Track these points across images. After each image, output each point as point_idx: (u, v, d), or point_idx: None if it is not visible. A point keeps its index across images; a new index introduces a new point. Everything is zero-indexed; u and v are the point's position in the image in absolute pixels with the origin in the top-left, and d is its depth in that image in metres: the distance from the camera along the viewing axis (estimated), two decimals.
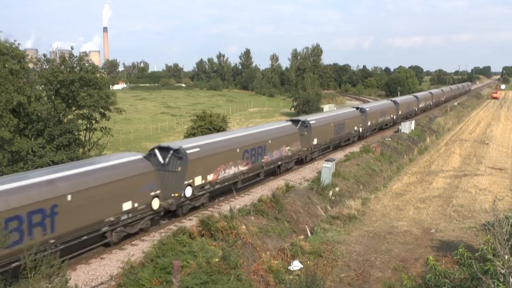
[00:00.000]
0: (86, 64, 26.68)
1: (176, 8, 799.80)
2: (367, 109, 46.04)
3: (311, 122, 33.43)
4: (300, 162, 33.16)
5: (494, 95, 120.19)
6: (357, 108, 45.74)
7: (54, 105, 25.11)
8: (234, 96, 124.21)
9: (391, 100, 57.93)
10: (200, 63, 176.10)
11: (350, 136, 41.29)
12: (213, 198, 24.05)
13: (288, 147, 29.88)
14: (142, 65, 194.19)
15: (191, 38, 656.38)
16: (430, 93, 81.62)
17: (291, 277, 15.92)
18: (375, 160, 35.20)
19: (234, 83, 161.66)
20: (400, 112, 57.20)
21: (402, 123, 51.20)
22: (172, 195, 20.33)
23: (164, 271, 13.47)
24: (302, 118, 34.57)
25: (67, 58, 26.84)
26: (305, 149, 32.74)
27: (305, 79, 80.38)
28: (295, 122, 33.13)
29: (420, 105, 68.69)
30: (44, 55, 27.79)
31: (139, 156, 19.81)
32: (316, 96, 72.24)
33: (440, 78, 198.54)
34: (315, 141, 33.97)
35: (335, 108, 67.50)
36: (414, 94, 74.16)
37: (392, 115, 54.22)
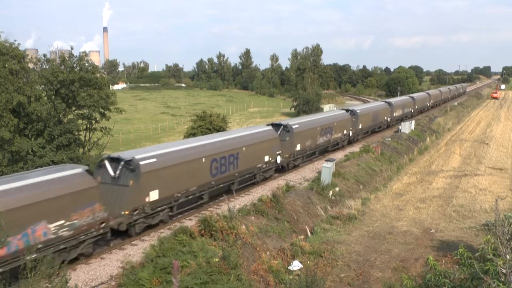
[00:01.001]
0: (86, 64, 26.69)
1: (176, 8, 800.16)
2: (294, 126, 30.91)
3: (144, 162, 18.91)
4: (119, 232, 18.63)
5: (494, 95, 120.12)
6: (278, 126, 30.54)
7: (54, 105, 25.11)
8: (234, 96, 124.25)
9: (346, 110, 43.61)
10: (200, 63, 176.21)
11: (254, 171, 26.47)
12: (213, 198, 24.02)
13: (66, 222, 15.70)
14: (142, 65, 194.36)
15: (191, 38, 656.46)
16: (411, 98, 66.83)
17: (291, 277, 15.91)
18: (375, 160, 35.19)
19: (234, 83, 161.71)
20: (360, 126, 43.43)
21: (402, 123, 50.95)
22: None
23: (164, 271, 13.46)
24: (125, 155, 19.40)
25: (67, 58, 26.84)
26: (127, 212, 18.23)
27: (305, 79, 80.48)
28: (113, 161, 19.01)
29: (395, 114, 55.32)
30: (44, 55, 27.79)
31: None
32: (316, 96, 72.39)
33: (440, 78, 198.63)
34: (153, 195, 19.22)
35: (335, 108, 67.11)
36: (388, 100, 59.88)
37: (346, 131, 40.16)
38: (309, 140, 33.23)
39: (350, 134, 41.34)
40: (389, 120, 53.22)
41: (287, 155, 30.33)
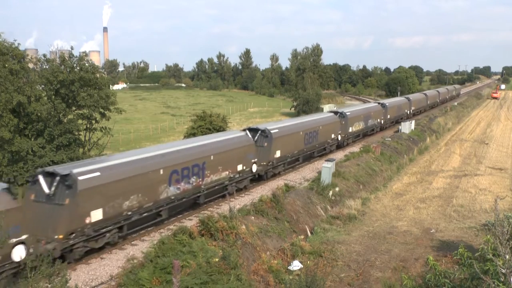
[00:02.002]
0: (86, 64, 26.69)
1: (176, 8, 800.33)
2: (79, 178, 16.53)
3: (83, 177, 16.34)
4: None
5: (494, 95, 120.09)
6: (52, 174, 16.74)
7: (54, 105, 25.12)
8: (234, 96, 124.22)
9: (251, 130, 28.19)
10: (200, 63, 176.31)
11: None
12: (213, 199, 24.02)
13: None
14: (142, 65, 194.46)
15: (191, 38, 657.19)
16: (381, 105, 51.12)
17: (291, 277, 15.91)
18: (375, 160, 35.20)
19: (234, 83, 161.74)
20: (278, 153, 28.82)
21: (402, 123, 50.67)
22: None
23: (164, 271, 13.46)
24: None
25: (67, 58, 26.86)
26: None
27: (305, 79, 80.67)
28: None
29: (350, 129, 40.93)
30: (44, 55, 27.81)
31: None
32: (316, 96, 72.36)
33: (440, 78, 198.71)
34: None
35: (335, 108, 66.79)
36: (342, 109, 43.06)
37: (244, 166, 25.46)
38: (162, 187, 19.83)
39: (254, 169, 26.51)
40: (339, 138, 38.81)
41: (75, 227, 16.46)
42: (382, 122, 49.97)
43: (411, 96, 69.34)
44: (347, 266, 17.31)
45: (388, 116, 52.22)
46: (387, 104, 52.65)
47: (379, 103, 52.64)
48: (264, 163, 27.90)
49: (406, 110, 60.99)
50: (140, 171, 18.89)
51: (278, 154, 29.22)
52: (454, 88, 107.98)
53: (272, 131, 28.53)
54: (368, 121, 45.88)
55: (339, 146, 39.94)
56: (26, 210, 15.52)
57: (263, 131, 28.27)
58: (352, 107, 49.55)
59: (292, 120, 36.28)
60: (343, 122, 39.65)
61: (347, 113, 40.75)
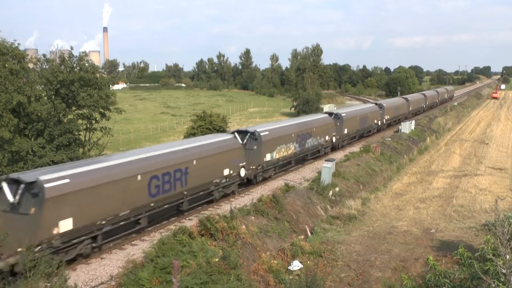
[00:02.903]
0: (86, 64, 26.70)
1: (176, 8, 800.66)
2: None
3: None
4: None
5: (494, 95, 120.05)
6: None
7: (54, 105, 25.14)
8: (234, 96, 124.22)
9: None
10: (200, 63, 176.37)
11: None
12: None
13: None
14: (142, 65, 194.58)
15: (191, 38, 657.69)
16: (333, 116, 38.23)
17: (291, 277, 15.90)
18: (375, 160, 35.18)
19: (234, 83, 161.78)
20: (76, 225, 15.81)
21: (402, 123, 50.56)
22: None
23: (164, 271, 13.45)
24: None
25: (66, 58, 26.88)
26: None
27: (305, 79, 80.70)
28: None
29: (271, 156, 27.84)
30: (44, 55, 27.82)
31: None
32: (316, 96, 72.37)
33: (440, 78, 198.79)
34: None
35: (335, 108, 66.76)
36: (255, 128, 28.19)
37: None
38: None
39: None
40: (242, 173, 25.31)
41: None
42: (334, 140, 37.31)
43: (384, 102, 55.12)
44: (347, 266, 17.30)
45: (345, 131, 39.52)
46: (343, 114, 39.16)
47: (331, 113, 39.53)
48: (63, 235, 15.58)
49: (375, 121, 47.66)
50: None
51: (80, 223, 16.08)
52: (445, 91, 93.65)
53: (49, 184, 15.03)
54: (307, 140, 32.48)
55: (247, 182, 26.97)
56: None
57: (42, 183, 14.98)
58: (280, 122, 35.68)
59: (155, 150, 21.12)
60: (255, 147, 26.44)
61: (262, 133, 26.82)
